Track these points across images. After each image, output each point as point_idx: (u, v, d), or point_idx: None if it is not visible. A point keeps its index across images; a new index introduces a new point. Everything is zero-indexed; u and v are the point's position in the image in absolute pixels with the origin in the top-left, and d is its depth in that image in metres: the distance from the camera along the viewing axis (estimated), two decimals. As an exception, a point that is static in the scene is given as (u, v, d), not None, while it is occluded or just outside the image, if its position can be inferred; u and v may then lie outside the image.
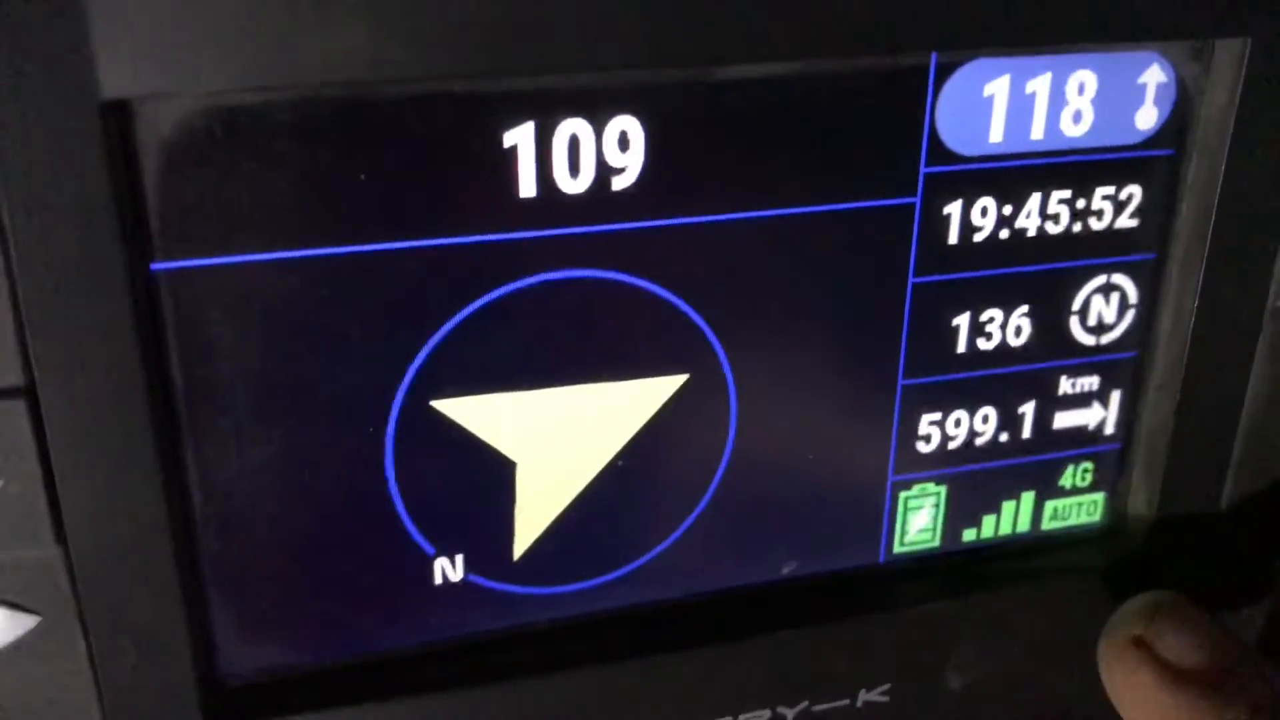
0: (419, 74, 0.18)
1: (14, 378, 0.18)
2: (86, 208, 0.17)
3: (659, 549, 0.23)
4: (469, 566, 0.22)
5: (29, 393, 0.18)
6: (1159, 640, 0.23)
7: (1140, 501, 0.26)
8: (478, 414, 0.21)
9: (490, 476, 0.22)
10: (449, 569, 0.22)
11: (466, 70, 0.18)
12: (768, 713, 0.24)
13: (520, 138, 0.20)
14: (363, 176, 0.19)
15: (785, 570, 0.24)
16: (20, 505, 0.18)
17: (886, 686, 0.25)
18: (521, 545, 0.23)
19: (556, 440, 0.22)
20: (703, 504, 0.23)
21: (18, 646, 0.19)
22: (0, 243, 0.17)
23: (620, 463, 0.22)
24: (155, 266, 0.18)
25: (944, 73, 0.21)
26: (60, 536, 0.19)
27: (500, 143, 0.19)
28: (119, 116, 0.17)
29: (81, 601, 0.19)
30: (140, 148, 0.18)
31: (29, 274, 0.17)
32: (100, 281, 0.18)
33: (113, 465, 0.19)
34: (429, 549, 0.22)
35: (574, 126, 0.20)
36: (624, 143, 0.20)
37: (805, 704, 0.25)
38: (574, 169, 0.20)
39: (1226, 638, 0.23)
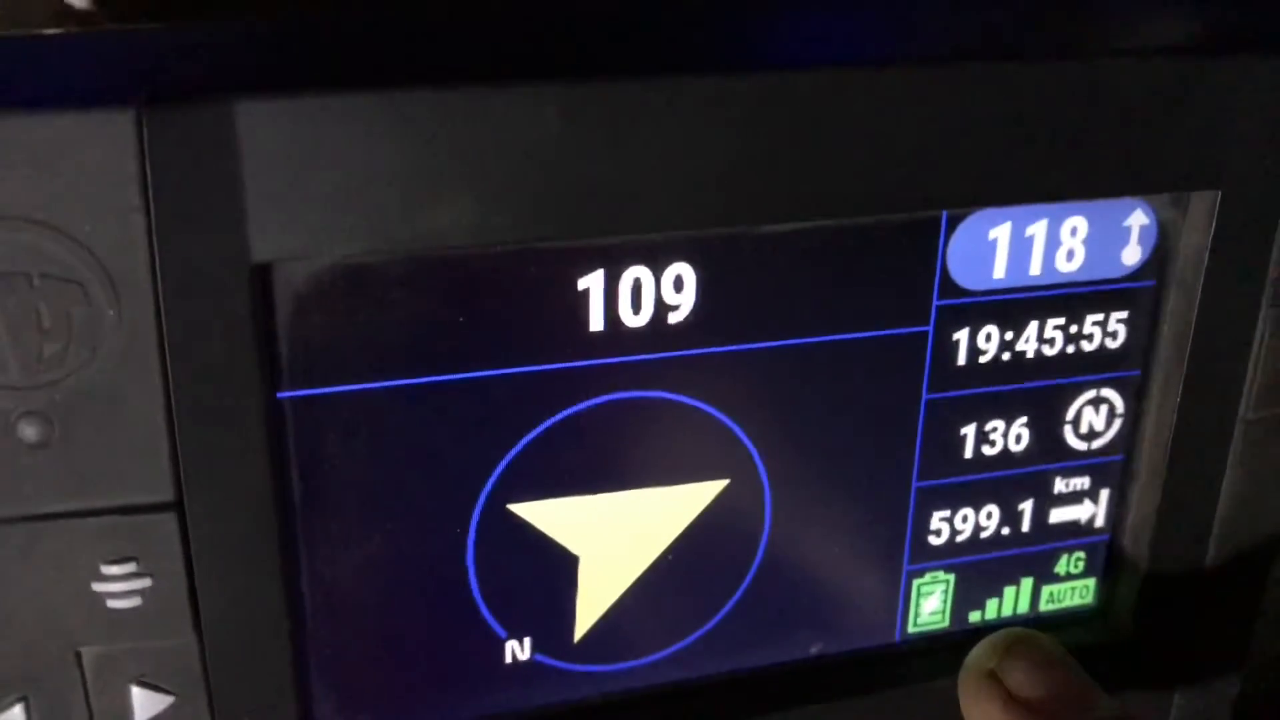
0: (511, 236, 0.21)
1: (167, 494, 0.21)
2: (231, 350, 0.20)
3: (702, 631, 0.26)
4: (535, 647, 0.25)
5: (178, 506, 0.21)
6: (1007, 675, 0.25)
7: (1127, 586, 0.29)
8: (548, 515, 0.24)
9: (556, 568, 0.25)
10: (518, 650, 0.25)
11: (550, 232, 0.21)
12: (797, 778, 0.27)
13: (592, 282, 0.23)
14: (461, 319, 0.22)
15: (813, 650, 0.27)
16: (165, 601, 0.21)
17: (903, 753, 0.28)
18: (582, 628, 0.25)
19: (614, 537, 0.25)
20: (740, 592, 0.26)
21: (154, 723, 0.22)
22: (162, 380, 0.20)
23: (669, 556, 0.25)
24: (280, 395, 0.22)
25: (955, 222, 0.24)
26: (197, 627, 0.22)
27: (575, 286, 0.23)
28: (262, 274, 0.20)
29: (210, 684, 0.22)
30: (276, 298, 0.21)
31: (183, 406, 0.20)
32: (237, 410, 0.21)
33: (242, 567, 0.21)
34: (501, 632, 0.25)
35: (637, 272, 0.23)
36: (679, 284, 0.23)
37: (830, 770, 0.27)
38: (636, 307, 0.23)
39: (1067, 673, 0.25)
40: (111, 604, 0.21)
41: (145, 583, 0.21)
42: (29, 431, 0.20)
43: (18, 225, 0.19)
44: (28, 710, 0.21)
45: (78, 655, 0.21)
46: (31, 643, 0.21)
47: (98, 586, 0.21)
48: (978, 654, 0.26)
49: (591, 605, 0.25)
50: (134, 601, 0.21)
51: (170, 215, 0.19)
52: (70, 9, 0.30)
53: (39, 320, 0.19)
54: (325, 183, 0.20)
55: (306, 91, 0.19)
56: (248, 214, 0.19)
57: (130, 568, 0.21)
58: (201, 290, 0.20)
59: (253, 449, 0.21)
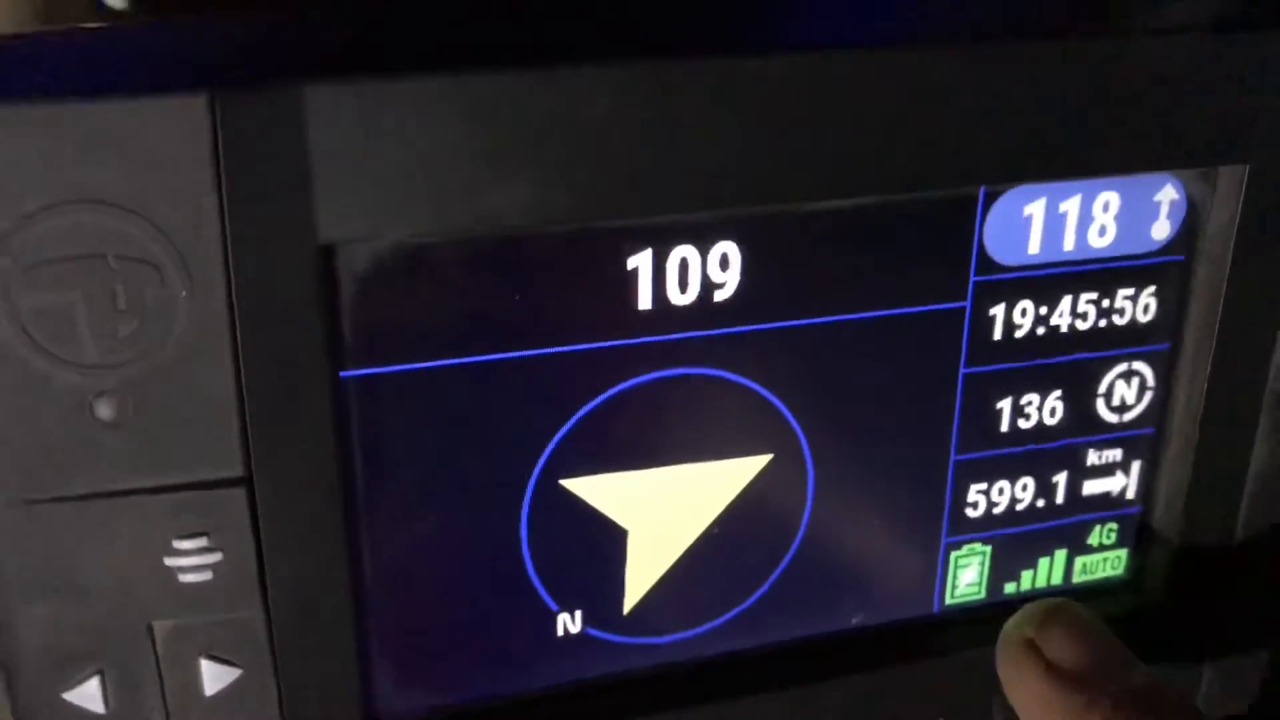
0: (565, 217, 0.22)
1: (236, 470, 0.21)
2: (297, 330, 0.21)
3: (747, 603, 0.27)
4: (586, 620, 0.26)
5: (247, 482, 0.21)
6: (1046, 642, 0.26)
7: (1159, 557, 0.29)
8: (598, 490, 0.25)
9: (606, 542, 0.25)
10: (569, 622, 0.26)
11: (601, 213, 0.22)
12: (839, 746, 0.28)
13: (640, 261, 0.23)
14: (515, 298, 0.23)
15: (854, 620, 0.28)
16: (234, 574, 0.22)
17: (941, 721, 0.29)
18: (631, 601, 0.26)
19: (662, 511, 0.26)
20: (784, 564, 0.27)
21: (223, 695, 0.23)
22: (232, 359, 0.21)
23: (715, 530, 0.26)
24: (344, 374, 0.22)
25: (991, 198, 0.25)
26: (264, 600, 0.22)
27: (625, 266, 0.23)
28: (328, 255, 0.21)
29: (276, 657, 0.23)
30: (340, 279, 0.21)
31: (252, 384, 0.21)
32: (303, 389, 0.21)
33: (307, 541, 0.22)
34: (553, 605, 0.26)
35: (684, 251, 0.24)
36: (724, 263, 0.24)
37: (871, 737, 0.28)
38: (683, 285, 0.24)
39: (1105, 641, 0.26)
40: (183, 578, 0.22)
41: (215, 557, 0.22)
42: (104, 410, 0.20)
43: (95, 208, 0.19)
44: (103, 683, 0.22)
45: (150, 629, 0.22)
46: (106, 617, 0.22)
47: (170, 561, 0.21)
48: (1016, 623, 0.27)
49: (640, 578, 0.26)
50: (204, 575, 0.22)
51: (241, 198, 0.20)
52: (106, 7, 0.31)
53: (115, 301, 0.20)
54: (388, 165, 0.20)
55: (371, 76, 0.20)
56: (315, 196, 0.20)
57: (201, 542, 0.21)
58: (270, 271, 0.20)
59: (318, 426, 0.22)
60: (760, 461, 0.26)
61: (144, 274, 0.20)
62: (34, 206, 0.19)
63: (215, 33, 0.21)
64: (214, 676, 0.23)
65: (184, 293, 0.20)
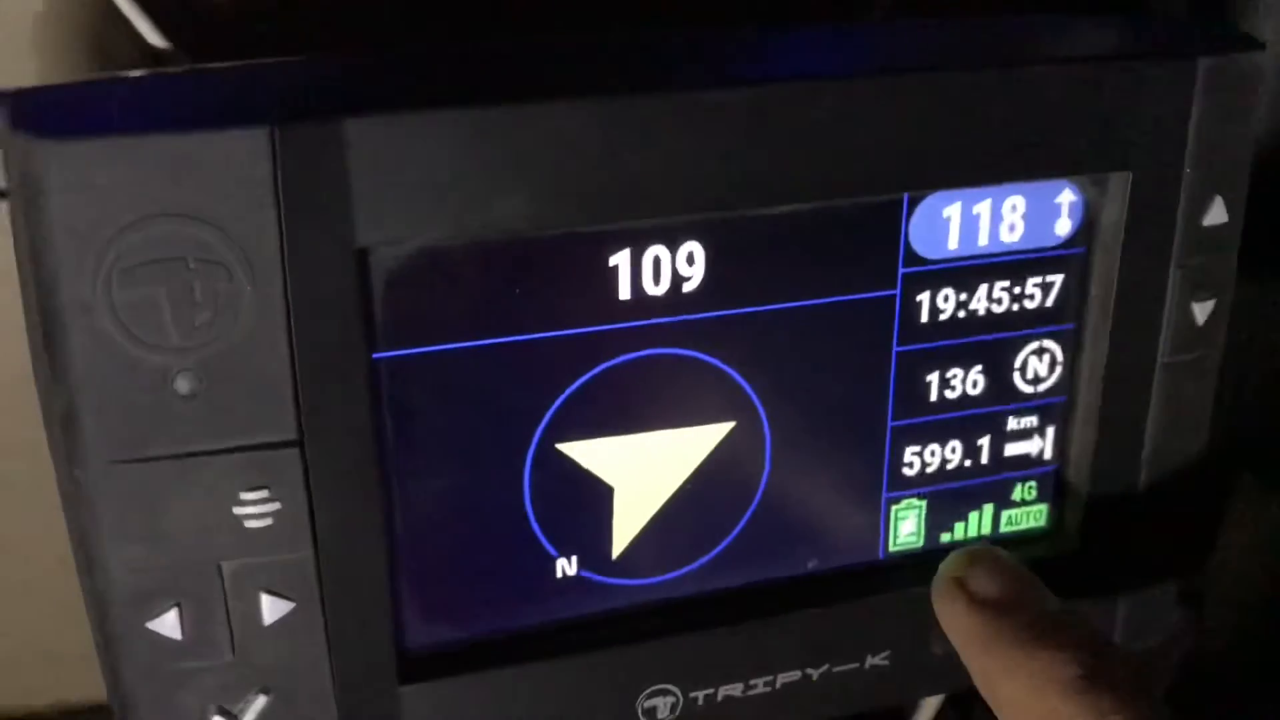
0: (557, 223, 0.26)
1: (291, 434, 0.26)
2: (339, 318, 0.25)
3: (717, 550, 0.31)
4: (581, 564, 0.30)
5: (300, 444, 0.26)
6: (972, 580, 0.30)
7: (1073, 510, 0.33)
8: (589, 453, 0.29)
9: (596, 498, 0.30)
10: (566, 566, 0.30)
11: (587, 219, 0.27)
12: (799, 673, 0.32)
13: (620, 259, 0.28)
14: (517, 291, 0.27)
15: (809, 565, 0.32)
16: (290, 521, 0.26)
17: (887, 653, 0.32)
18: (618, 548, 0.30)
19: (643, 470, 0.30)
20: (747, 516, 0.31)
21: (279, 624, 0.27)
22: (287, 343, 0.25)
23: (688, 486, 0.30)
24: (376, 356, 0.27)
25: (914, 202, 0.29)
26: (314, 543, 0.27)
27: (607, 263, 0.28)
28: (363, 256, 0.26)
29: (324, 592, 0.27)
30: (373, 276, 0.26)
31: (303, 364, 0.25)
32: (344, 368, 0.26)
33: (349, 494, 0.27)
34: (553, 551, 0.30)
35: (657, 250, 0.28)
36: (690, 259, 0.28)
37: (826, 666, 0.32)
38: (656, 278, 0.28)
39: (1021, 577, 0.30)
40: (247, 524, 0.26)
41: (275, 506, 0.26)
42: (182, 385, 0.25)
43: (179, 220, 0.24)
44: (180, 614, 0.26)
45: (219, 568, 0.26)
46: (183, 558, 0.26)
47: (237, 510, 0.26)
48: (946, 565, 0.32)
49: (626, 528, 0.30)
50: (266, 522, 0.26)
51: (294, 211, 0.24)
52: (153, 49, 0.35)
53: (193, 295, 0.24)
54: (413, 182, 0.25)
55: (399, 111, 0.25)
56: (353, 208, 0.25)
57: (263, 494, 0.26)
58: (317, 270, 0.25)
59: (356, 399, 0.26)
60: (725, 428, 0.30)
61: (216, 273, 0.24)
62: (129, 219, 0.24)
63: (273, 76, 0.25)
64: (272, 609, 0.27)
65: (249, 288, 0.25)
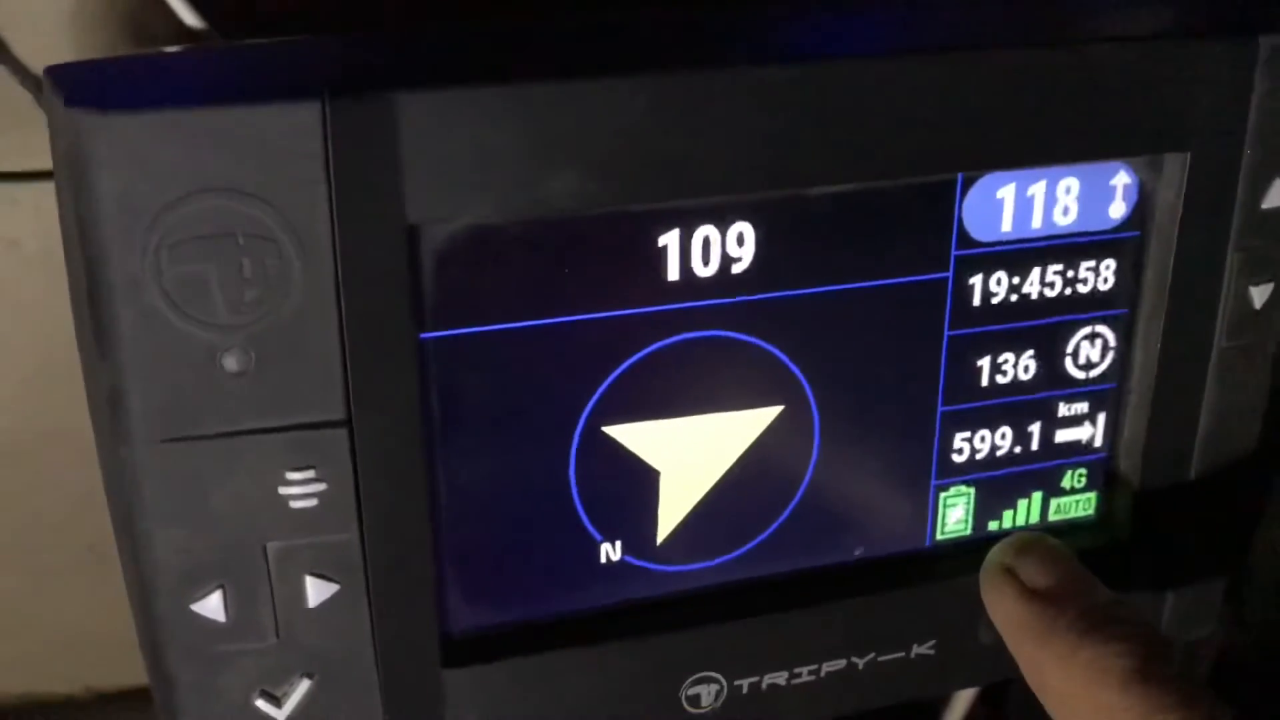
0: (606, 202, 0.26)
1: (340, 414, 0.25)
2: (388, 297, 0.25)
3: (763, 536, 0.31)
4: (625, 549, 0.30)
5: (348, 424, 0.26)
6: (1022, 569, 0.30)
7: (1123, 498, 0.33)
8: (635, 436, 0.29)
9: (642, 482, 0.30)
10: (611, 551, 0.30)
11: (636, 198, 0.26)
12: (844, 661, 0.32)
13: (669, 239, 0.27)
14: (565, 271, 0.27)
15: (856, 553, 0.32)
16: (336, 502, 0.26)
17: (933, 641, 0.32)
18: (663, 533, 0.30)
19: (689, 455, 0.30)
20: (794, 502, 0.31)
21: (323, 607, 0.27)
22: (337, 321, 0.25)
23: (735, 471, 0.30)
24: (423, 336, 0.26)
25: (968, 184, 0.29)
26: (360, 525, 0.26)
27: (656, 243, 0.27)
28: (413, 234, 0.25)
29: (368, 574, 0.27)
30: (422, 255, 0.26)
31: (352, 342, 0.25)
32: (392, 347, 0.26)
33: (395, 475, 0.26)
34: (597, 536, 0.30)
35: (706, 230, 0.28)
36: (740, 240, 0.28)
37: (872, 655, 0.32)
38: (705, 259, 0.28)
39: (1072, 567, 0.30)
40: (293, 504, 0.26)
41: (321, 487, 0.26)
42: (230, 362, 0.25)
43: (229, 195, 0.23)
44: (224, 596, 0.26)
45: (264, 550, 0.26)
46: (229, 539, 0.26)
47: (283, 490, 0.26)
48: (995, 553, 0.31)
49: (671, 513, 0.30)
50: (312, 503, 0.26)
51: (345, 187, 0.24)
52: (187, 28, 0.35)
53: (242, 271, 0.24)
54: (464, 159, 0.25)
55: (451, 87, 0.24)
56: (404, 184, 0.24)
57: (310, 474, 0.26)
58: (367, 247, 0.25)
59: (404, 379, 0.26)
60: (773, 412, 0.30)
61: (266, 249, 0.24)
62: (178, 194, 0.23)
63: (323, 50, 0.25)
64: (316, 591, 0.27)
65: (299, 265, 0.24)
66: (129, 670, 0.49)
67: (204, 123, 0.23)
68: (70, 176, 0.23)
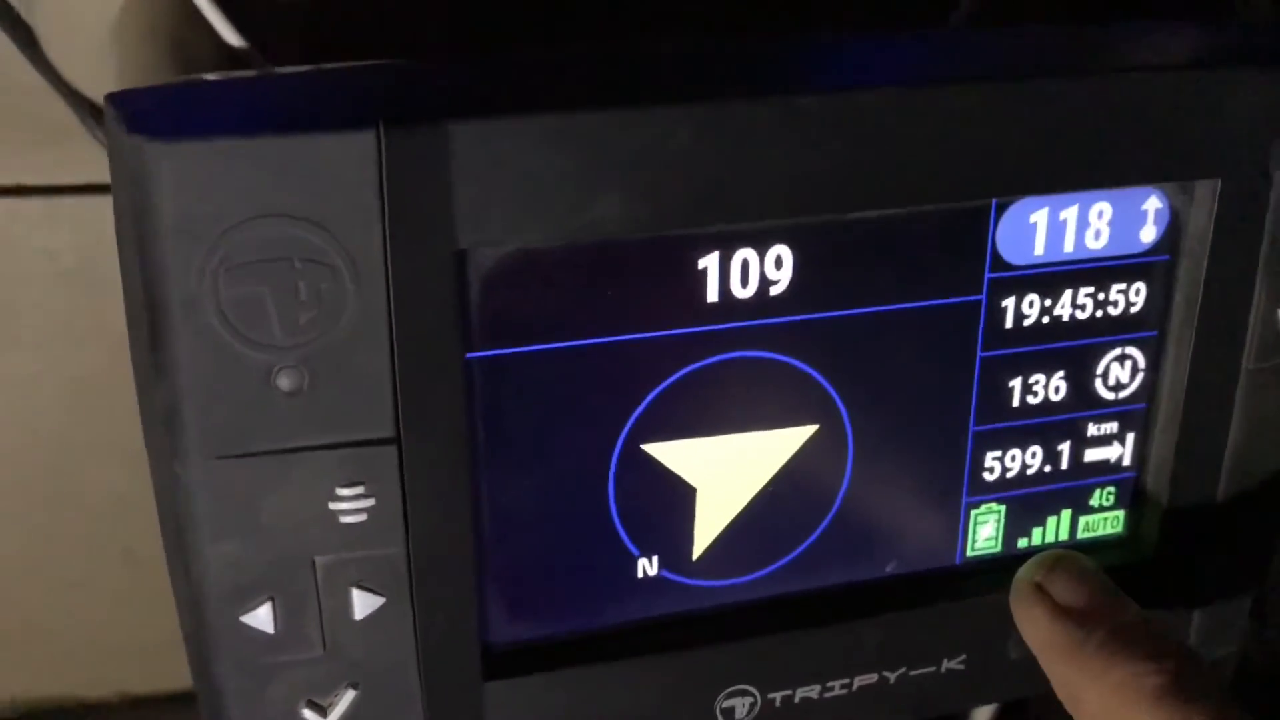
0: (649, 226, 0.27)
1: (389, 432, 0.26)
2: (437, 319, 0.26)
3: (797, 552, 0.31)
4: (662, 564, 0.31)
5: (397, 442, 0.26)
6: (1052, 586, 0.30)
7: (1151, 517, 0.33)
8: (673, 454, 0.30)
9: (679, 498, 0.30)
10: (648, 566, 0.31)
11: (678, 223, 0.27)
12: (875, 676, 0.32)
13: (709, 262, 0.28)
14: (609, 292, 0.27)
15: (888, 569, 0.32)
16: (384, 518, 0.27)
17: (963, 657, 0.33)
18: (699, 549, 0.31)
19: (725, 472, 0.30)
20: (828, 519, 0.31)
21: (369, 619, 0.28)
22: (388, 343, 0.25)
23: (770, 488, 0.31)
24: (469, 356, 0.27)
25: (1002, 208, 0.30)
26: (406, 539, 0.27)
27: (696, 266, 0.28)
28: (462, 258, 0.26)
29: (414, 588, 0.28)
30: (470, 278, 0.26)
31: (402, 362, 0.26)
32: (440, 367, 0.26)
33: (442, 492, 0.27)
34: (635, 551, 0.30)
35: (745, 253, 0.28)
36: (779, 263, 0.29)
37: (903, 669, 0.32)
38: (744, 282, 0.28)
39: (1102, 585, 0.30)
40: (343, 520, 0.26)
41: (370, 502, 0.26)
42: (284, 382, 0.25)
43: (285, 220, 0.24)
44: (273, 608, 0.27)
45: (313, 563, 0.27)
46: (279, 553, 0.26)
47: (333, 505, 0.26)
48: (1026, 570, 0.32)
49: (707, 529, 0.31)
50: (360, 518, 0.26)
51: (399, 212, 0.25)
52: (230, 49, 0.36)
53: (297, 294, 0.25)
54: (513, 185, 0.25)
55: (500, 116, 0.25)
56: (455, 210, 0.25)
57: (359, 490, 0.26)
58: (419, 271, 0.25)
59: (452, 398, 0.26)
60: (808, 431, 0.31)
61: (321, 273, 0.25)
62: (237, 218, 0.24)
63: (375, 79, 0.26)
64: (363, 604, 0.27)
65: (352, 288, 0.25)
66: (162, 675, 0.50)
67: (263, 151, 0.24)
68: (131, 200, 0.24)
